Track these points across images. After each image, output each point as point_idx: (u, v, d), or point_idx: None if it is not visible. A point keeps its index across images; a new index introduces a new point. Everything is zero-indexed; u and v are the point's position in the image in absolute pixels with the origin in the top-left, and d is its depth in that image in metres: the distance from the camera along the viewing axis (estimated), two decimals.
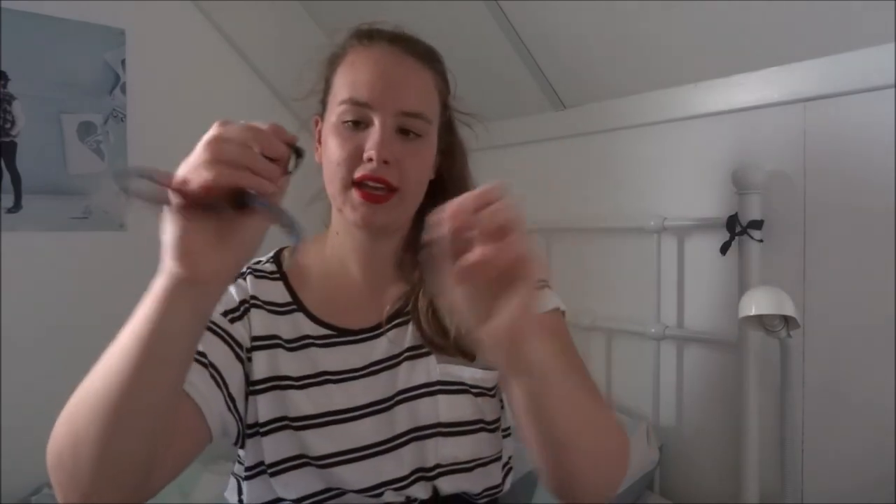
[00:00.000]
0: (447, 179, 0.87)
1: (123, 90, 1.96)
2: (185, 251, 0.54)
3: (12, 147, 1.79)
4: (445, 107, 0.86)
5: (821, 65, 1.27)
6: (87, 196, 1.90)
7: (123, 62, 1.96)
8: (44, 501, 1.67)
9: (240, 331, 0.79)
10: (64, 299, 1.86)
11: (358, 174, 0.76)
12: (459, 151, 0.90)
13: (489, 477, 0.83)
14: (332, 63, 0.83)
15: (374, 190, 0.76)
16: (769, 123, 1.38)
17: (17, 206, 1.80)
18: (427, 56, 0.83)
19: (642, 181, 1.64)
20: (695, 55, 1.45)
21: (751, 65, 1.38)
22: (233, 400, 0.77)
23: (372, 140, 0.75)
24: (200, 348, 0.73)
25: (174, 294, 0.55)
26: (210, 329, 0.76)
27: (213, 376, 0.74)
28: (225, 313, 0.79)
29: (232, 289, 0.81)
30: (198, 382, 0.72)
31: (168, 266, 0.55)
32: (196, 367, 0.71)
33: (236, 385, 0.77)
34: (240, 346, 0.78)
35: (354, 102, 0.77)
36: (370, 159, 0.75)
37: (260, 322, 0.81)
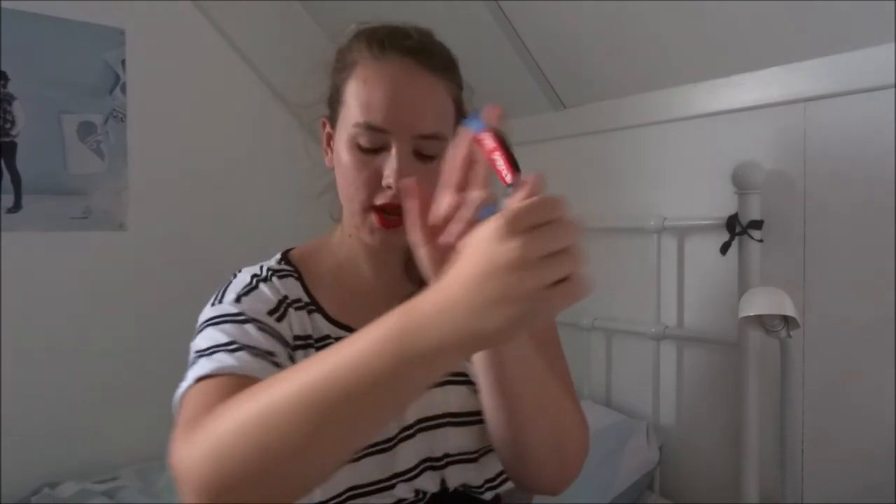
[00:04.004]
0: None
1: (123, 90, 1.96)
2: None
3: (12, 147, 1.79)
4: (460, 112, 0.84)
5: (821, 65, 1.27)
6: (87, 196, 1.90)
7: (123, 62, 1.96)
8: (44, 501, 1.67)
9: (286, 330, 0.78)
10: (64, 299, 1.86)
11: (378, 202, 0.76)
12: None
13: (489, 468, 0.83)
14: (340, 70, 0.81)
15: (390, 215, 0.76)
16: (769, 123, 1.38)
17: (17, 206, 1.80)
18: (442, 67, 0.81)
19: (642, 181, 1.64)
20: (695, 55, 1.45)
21: (751, 65, 1.38)
22: None
23: (390, 167, 0.75)
24: (268, 348, 0.73)
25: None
26: (264, 330, 0.75)
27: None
28: (270, 312, 0.78)
29: (265, 288, 0.80)
30: None
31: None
32: (271, 367, 0.71)
33: None
34: (288, 345, 0.78)
35: (369, 127, 0.76)
36: (389, 186, 0.75)
37: (297, 321, 0.80)
